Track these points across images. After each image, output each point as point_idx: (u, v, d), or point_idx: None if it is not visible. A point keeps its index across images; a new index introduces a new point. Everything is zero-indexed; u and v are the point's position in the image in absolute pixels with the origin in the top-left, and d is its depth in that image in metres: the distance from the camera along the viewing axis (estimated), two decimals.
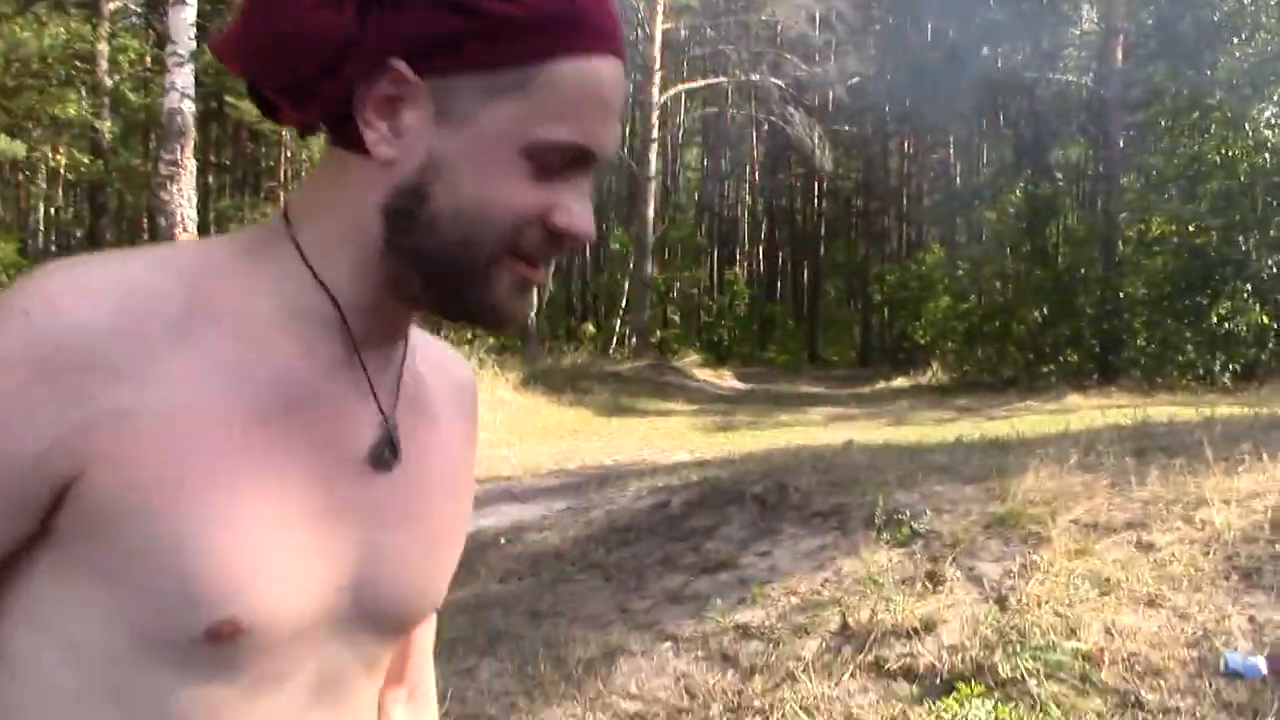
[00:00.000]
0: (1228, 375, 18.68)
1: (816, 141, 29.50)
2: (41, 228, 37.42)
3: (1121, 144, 24.43)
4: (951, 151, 40.36)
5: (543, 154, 0.82)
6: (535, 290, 0.91)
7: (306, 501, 0.84)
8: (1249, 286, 19.48)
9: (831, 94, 35.38)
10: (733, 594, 5.40)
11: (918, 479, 6.58)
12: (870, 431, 12.54)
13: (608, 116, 0.84)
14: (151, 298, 0.79)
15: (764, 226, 45.17)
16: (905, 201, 41.04)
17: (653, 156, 28.43)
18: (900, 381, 23.44)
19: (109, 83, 22.90)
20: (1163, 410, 10.39)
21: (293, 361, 0.85)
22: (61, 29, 21.28)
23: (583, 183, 0.86)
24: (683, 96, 35.08)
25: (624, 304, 31.88)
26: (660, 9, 27.45)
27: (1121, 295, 21.79)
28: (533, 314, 24.84)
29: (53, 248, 39.88)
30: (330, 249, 0.86)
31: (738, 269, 41.90)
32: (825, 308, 43.20)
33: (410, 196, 0.83)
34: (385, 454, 0.89)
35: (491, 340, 20.79)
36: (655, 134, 28.68)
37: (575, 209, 0.85)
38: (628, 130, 41.66)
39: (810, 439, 11.72)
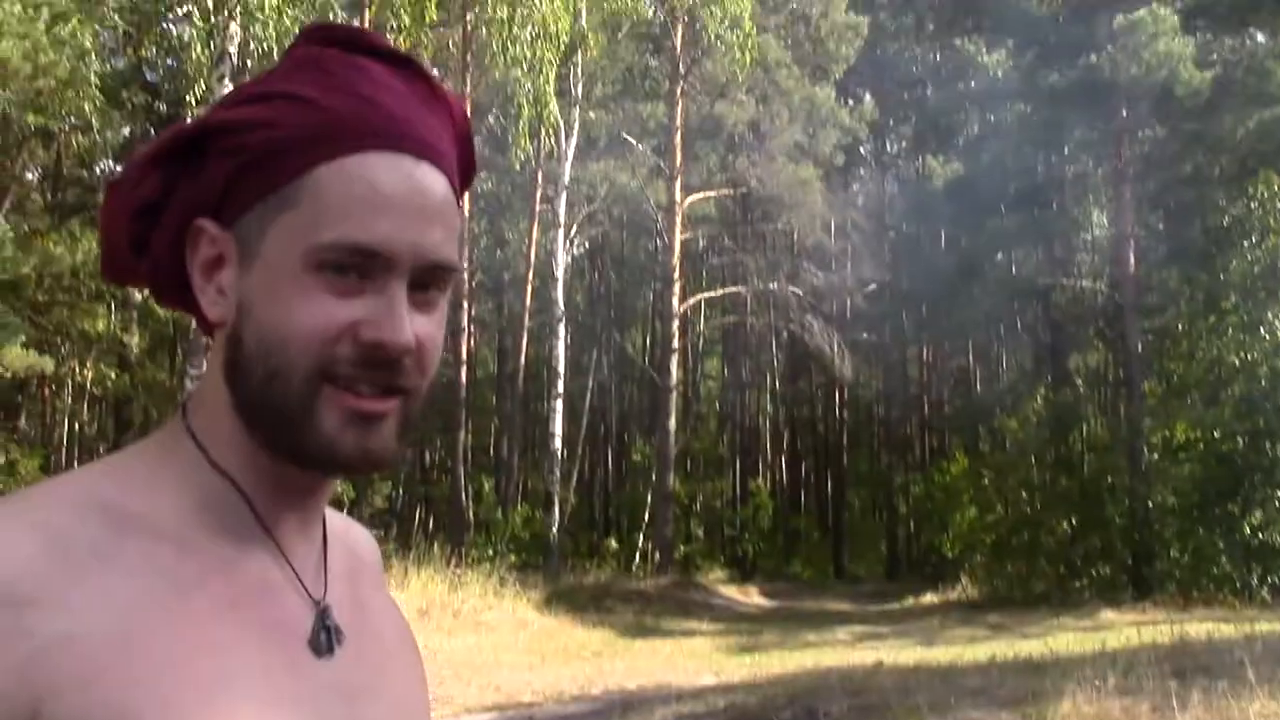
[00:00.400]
0: (1265, 588, 18.19)
1: (836, 350, 29.79)
2: (65, 443, 37.78)
3: (1140, 348, 24.58)
4: (970, 358, 40.69)
5: (323, 262, 0.80)
6: (383, 425, 0.84)
7: (273, 692, 0.81)
8: None
9: (850, 301, 35.95)
10: None
11: (950, 703, 6.36)
12: (901, 651, 12.22)
13: (392, 212, 0.81)
14: (67, 524, 0.78)
15: (786, 436, 45.19)
16: (926, 409, 41.15)
17: (674, 366, 28.68)
18: (930, 597, 22.95)
19: (138, 296, 23.44)
20: (1201, 627, 10.12)
21: (220, 553, 0.83)
22: (93, 243, 21.87)
23: (392, 291, 0.82)
24: (702, 305, 35.67)
25: (647, 518, 31.64)
26: (679, 219, 28.19)
27: (1150, 504, 21.48)
28: (554, 529, 24.67)
29: (75, 463, 40.23)
30: (214, 429, 0.85)
31: (761, 480, 41.70)
32: (850, 519, 42.76)
33: (232, 347, 0.83)
34: (322, 640, 0.86)
35: (513, 558, 20.60)
36: (676, 344, 29.04)
37: (383, 319, 0.81)
38: (648, 341, 42.47)
39: (839, 659, 11.42)
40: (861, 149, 41.42)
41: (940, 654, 11.11)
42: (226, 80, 12.96)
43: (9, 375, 22.90)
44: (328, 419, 0.81)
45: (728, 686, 9.45)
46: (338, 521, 1.01)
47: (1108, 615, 16.17)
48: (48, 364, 19.44)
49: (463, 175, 0.92)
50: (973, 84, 33.70)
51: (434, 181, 0.84)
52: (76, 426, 38.37)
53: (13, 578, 0.74)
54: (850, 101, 36.84)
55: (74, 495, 0.81)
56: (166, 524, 0.82)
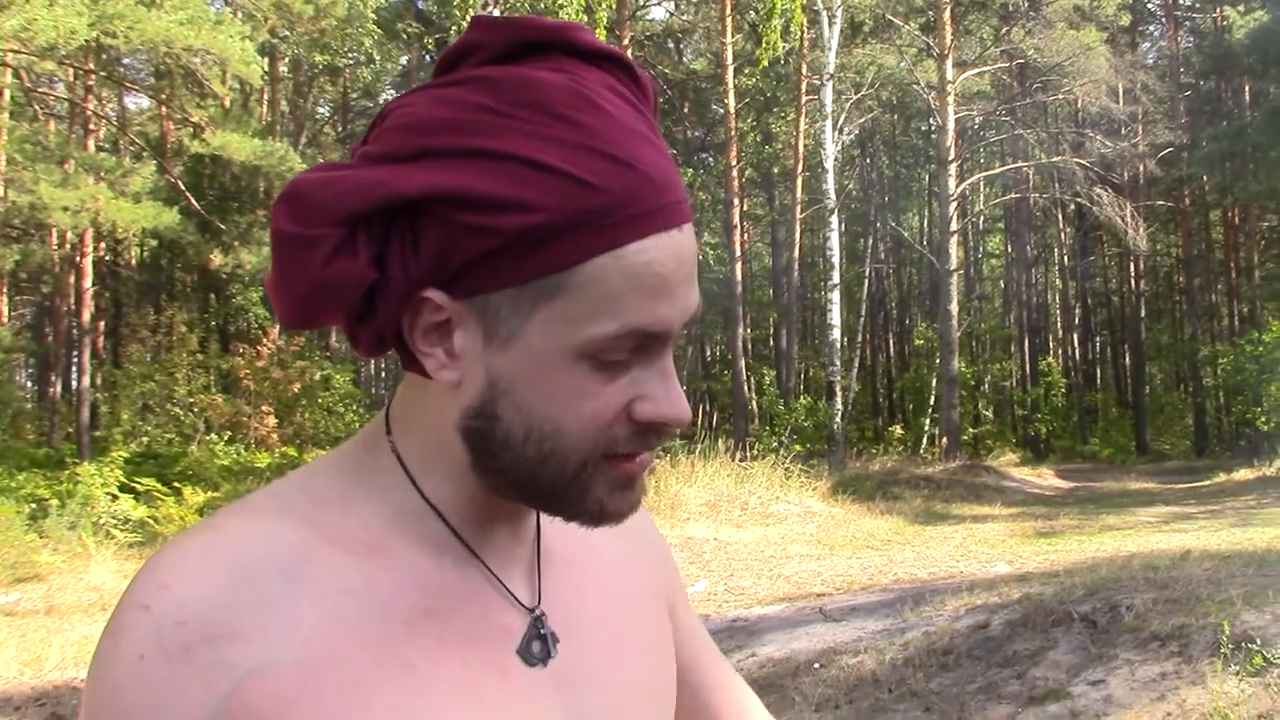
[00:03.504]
0: None
1: (1129, 220, 28.11)
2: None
3: None
4: None
5: (597, 352, 0.77)
6: (644, 475, 0.84)
7: (476, 700, 0.82)
8: None
9: (1142, 168, 33.80)
10: None
11: (1269, 596, 6.02)
12: (1212, 534, 11.61)
13: (672, 291, 0.78)
14: (262, 551, 0.79)
15: (1077, 312, 43.25)
16: (1234, 275, 38.41)
17: (953, 249, 27.84)
18: (1243, 474, 21.56)
19: None
20: None
21: (416, 563, 0.83)
22: None
23: (662, 362, 0.80)
24: (981, 184, 34.33)
25: (932, 402, 31.13)
26: (951, 98, 27.15)
27: None
28: (838, 418, 24.64)
29: (383, 374, 42.92)
30: (425, 461, 0.84)
31: (1051, 358, 40.19)
32: (1152, 394, 40.68)
33: (481, 418, 0.80)
34: (534, 649, 0.86)
35: (797, 448, 20.74)
36: (954, 226, 28.14)
37: (659, 395, 0.79)
38: (925, 224, 41.31)
39: (1143, 545, 10.97)
40: (1150, 5, 38.52)
41: (1256, 536, 10.50)
42: (492, 8, 13.27)
43: None
44: (600, 487, 0.81)
45: (1022, 575, 9.25)
46: None
47: None
48: None
49: None
50: None
51: (689, 237, 0.81)
52: None
53: (208, 612, 0.76)
54: None
55: (269, 511, 0.83)
56: (359, 536, 0.83)
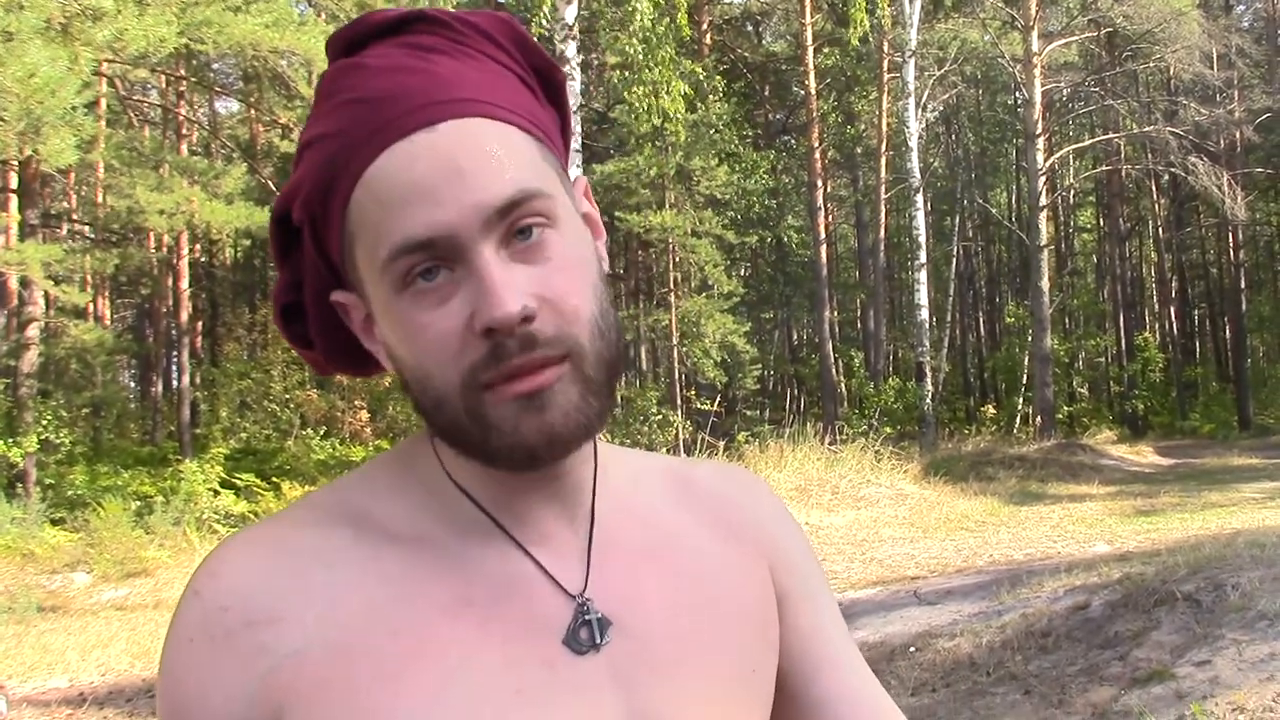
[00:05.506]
0: None
1: (1226, 189, 27.34)
2: None
3: None
4: None
5: (401, 277, 0.77)
6: (556, 395, 0.78)
7: (516, 688, 0.81)
8: None
9: (1239, 135, 32.84)
10: (1169, 710, 4.98)
11: None
12: None
13: (424, 194, 0.76)
14: (309, 542, 0.82)
15: (1174, 284, 42.17)
16: None
17: (1043, 224, 27.28)
18: None
19: None
20: None
21: (459, 552, 0.84)
22: None
23: (477, 267, 0.76)
24: (1070, 157, 33.58)
25: (1025, 380, 30.62)
26: (1038, 70, 26.60)
27: None
28: (928, 399, 24.34)
29: None
30: (446, 445, 0.85)
31: (1148, 332, 39.25)
32: (1254, 367, 39.54)
33: (407, 391, 0.83)
34: (581, 637, 0.84)
35: (888, 430, 20.54)
36: (1043, 200, 27.59)
37: (478, 300, 0.76)
38: (1014, 199, 40.56)
39: (1248, 522, 10.70)
40: None
41: None
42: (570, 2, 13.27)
43: None
44: (502, 419, 0.78)
45: (1122, 555, 9.07)
46: (680, 472, 1.00)
47: None
48: None
49: (542, 77, 0.87)
50: None
51: (463, 131, 0.78)
52: None
53: (250, 598, 0.79)
54: None
55: (325, 505, 0.86)
56: (403, 528, 0.85)
